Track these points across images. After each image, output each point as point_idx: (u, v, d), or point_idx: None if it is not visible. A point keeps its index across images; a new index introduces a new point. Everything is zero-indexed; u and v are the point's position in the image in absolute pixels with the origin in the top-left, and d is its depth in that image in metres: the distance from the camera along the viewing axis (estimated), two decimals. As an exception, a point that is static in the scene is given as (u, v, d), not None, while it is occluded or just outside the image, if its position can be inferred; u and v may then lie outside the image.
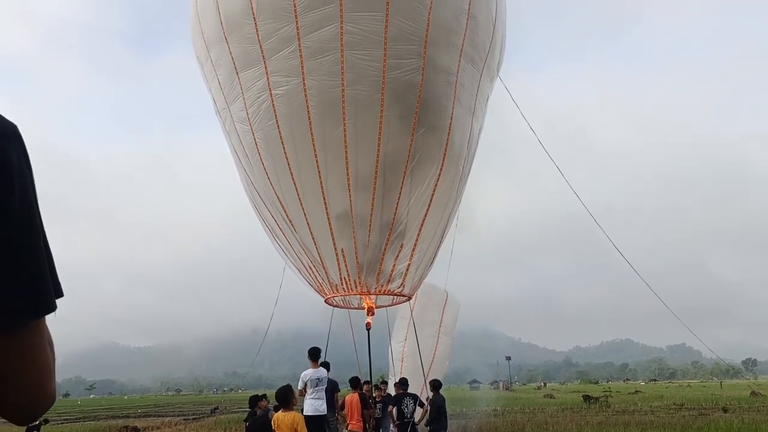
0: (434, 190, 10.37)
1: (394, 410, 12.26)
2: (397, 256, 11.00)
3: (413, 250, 11.06)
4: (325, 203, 9.87)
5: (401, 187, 9.91)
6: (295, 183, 9.69)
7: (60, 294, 1.12)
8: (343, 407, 12.65)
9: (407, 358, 17.90)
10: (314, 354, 11.02)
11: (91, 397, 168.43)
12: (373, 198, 9.91)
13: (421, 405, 12.47)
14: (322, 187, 9.65)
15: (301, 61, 8.77)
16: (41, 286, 1.04)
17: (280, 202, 10.14)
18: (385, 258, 10.90)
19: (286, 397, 8.10)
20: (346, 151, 9.26)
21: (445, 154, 10.18)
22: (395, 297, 12.78)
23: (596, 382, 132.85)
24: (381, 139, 9.37)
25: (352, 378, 13.06)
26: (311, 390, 10.65)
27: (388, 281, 11.36)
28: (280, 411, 8.26)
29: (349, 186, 9.68)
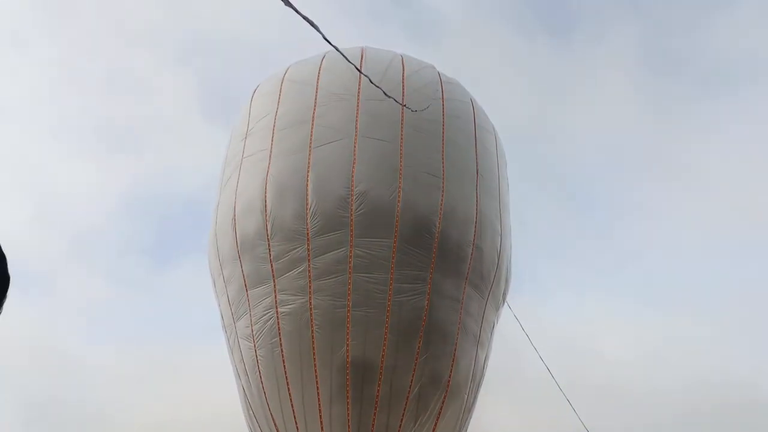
0: (437, 420, 10.02)
1: None
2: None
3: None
4: (321, 427, 9.51)
5: (403, 414, 9.59)
6: (292, 404, 9.43)
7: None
8: None
9: None
10: None
11: None
12: (374, 422, 9.58)
13: None
14: (320, 409, 9.36)
15: (310, 281, 9.06)
16: None
17: (275, 424, 9.79)
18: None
19: None
20: (348, 374, 9.15)
21: (449, 383, 10.00)
22: None
23: None
24: (384, 362, 9.30)
25: None
26: None
27: None
28: None
29: (348, 411, 9.39)
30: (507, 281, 11.59)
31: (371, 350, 9.25)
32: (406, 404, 9.52)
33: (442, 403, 9.91)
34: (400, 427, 9.60)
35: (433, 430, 10.01)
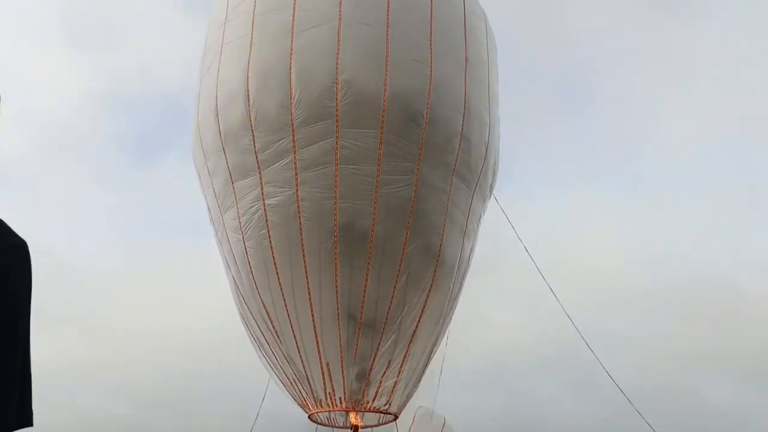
0: (424, 307, 10.26)
1: None
2: (384, 372, 10.72)
3: (401, 367, 10.80)
4: (312, 316, 9.72)
5: (390, 303, 9.81)
6: (283, 294, 9.60)
7: (26, 422, 1.06)
8: None
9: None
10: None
11: None
12: (362, 312, 9.79)
13: None
14: (310, 299, 9.55)
15: (296, 173, 8.96)
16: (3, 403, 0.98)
17: (267, 313, 9.99)
18: (371, 374, 10.62)
19: None
20: (336, 264, 9.26)
21: (435, 272, 10.16)
22: (381, 416, 12.33)
23: None
24: (372, 251, 9.40)
25: None
26: None
27: (374, 398, 11.01)
28: None
29: (337, 300, 9.59)
30: (494, 173, 11.55)
31: (358, 237, 9.32)
32: (394, 292, 9.72)
33: (429, 290, 10.13)
34: (389, 310, 9.84)
35: (420, 316, 10.29)
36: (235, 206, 9.46)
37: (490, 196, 11.80)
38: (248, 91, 9.22)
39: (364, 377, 10.69)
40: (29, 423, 1.08)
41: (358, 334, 10.02)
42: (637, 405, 14.41)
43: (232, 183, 9.45)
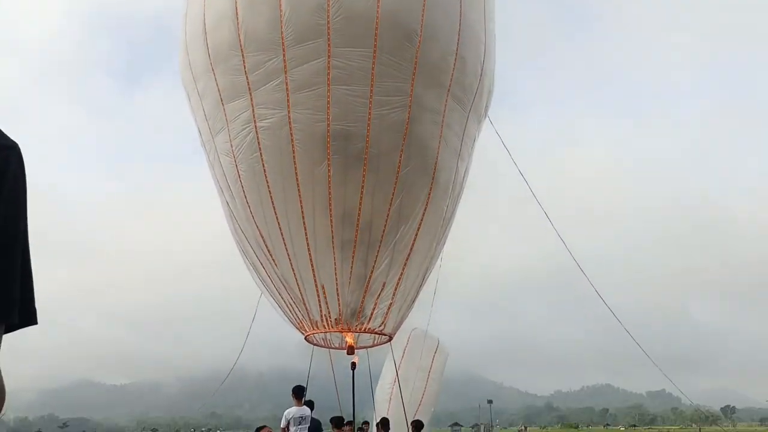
0: (418, 230, 10.31)
1: None
2: (379, 294, 10.88)
3: (395, 289, 10.95)
4: (306, 239, 9.76)
5: (385, 226, 9.84)
6: (277, 217, 9.59)
7: (30, 318, 1.05)
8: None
9: (395, 398, 17.91)
10: (298, 392, 10.80)
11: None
12: (356, 235, 9.83)
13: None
14: (304, 222, 9.56)
15: (287, 94, 8.77)
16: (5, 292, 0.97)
17: (262, 237, 10.02)
18: (366, 296, 10.78)
19: None
20: (329, 187, 9.21)
21: (429, 195, 10.15)
22: (376, 337, 12.61)
23: (576, 427, 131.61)
24: (366, 176, 9.34)
25: (334, 417, 12.78)
26: (294, 428, 10.41)
27: (369, 320, 11.22)
28: None
29: (332, 222, 9.60)
30: (489, 93, 11.38)
31: (352, 163, 9.24)
32: (388, 214, 9.73)
33: (423, 213, 10.15)
34: (383, 233, 9.89)
35: (414, 238, 10.35)
36: (227, 129, 9.31)
37: (484, 118, 11.67)
38: (237, 9, 8.90)
39: (359, 299, 10.85)
40: (33, 321, 1.07)
41: (353, 256, 10.09)
42: (626, 325, 14.74)
43: (223, 105, 9.25)
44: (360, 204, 9.45)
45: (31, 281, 1.06)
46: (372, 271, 10.39)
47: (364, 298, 10.78)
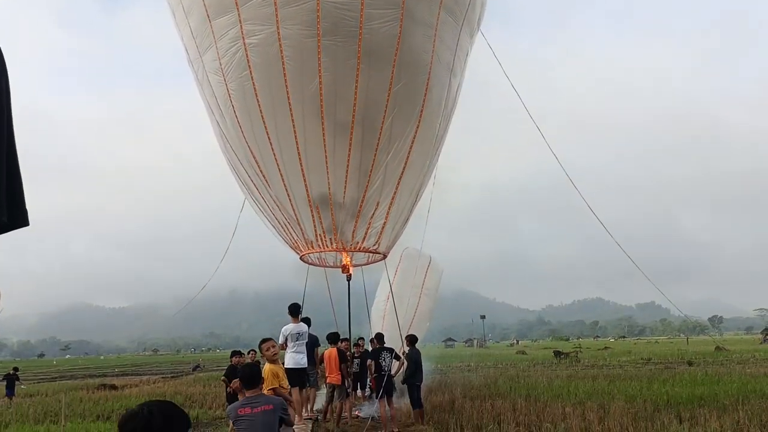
0: (411, 146, 10.25)
1: (373, 364, 12.40)
2: (373, 213, 10.94)
3: (389, 207, 11.00)
4: (299, 158, 9.70)
5: (378, 142, 9.78)
6: (268, 136, 9.48)
7: (22, 219, 1.01)
8: (322, 361, 12.77)
9: (389, 315, 18.34)
10: (294, 310, 11.01)
11: (66, 357, 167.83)
12: (349, 153, 9.77)
13: (398, 358, 12.60)
14: (296, 141, 9.47)
15: (276, 9, 8.47)
16: None
17: (254, 157, 9.94)
18: (360, 215, 10.84)
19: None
20: (321, 104, 9.07)
21: (422, 111, 10.04)
22: (370, 255, 12.78)
23: (567, 339, 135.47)
24: (357, 93, 9.18)
25: (331, 333, 13.13)
26: (292, 344, 10.67)
27: (364, 238, 11.33)
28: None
29: (324, 140, 9.52)
30: (483, 5, 11.09)
31: (343, 81, 9.07)
32: (381, 131, 9.66)
33: (416, 130, 10.08)
34: (376, 151, 9.85)
35: (407, 156, 10.32)
36: (215, 46, 9.03)
37: (477, 31, 11.41)
38: None
39: (353, 218, 10.92)
40: (25, 221, 1.02)
41: (347, 175, 10.08)
42: (617, 238, 14.95)
43: (210, 21, 8.94)
44: (352, 122, 9.35)
45: (20, 182, 1.01)
46: (366, 190, 10.41)
47: (358, 217, 10.85)
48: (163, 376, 37.61)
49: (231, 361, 12.89)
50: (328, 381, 12.65)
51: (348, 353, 13.40)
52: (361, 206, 10.67)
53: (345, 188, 10.26)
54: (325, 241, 11.23)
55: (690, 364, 31.42)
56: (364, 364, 13.98)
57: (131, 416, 2.65)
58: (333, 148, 9.60)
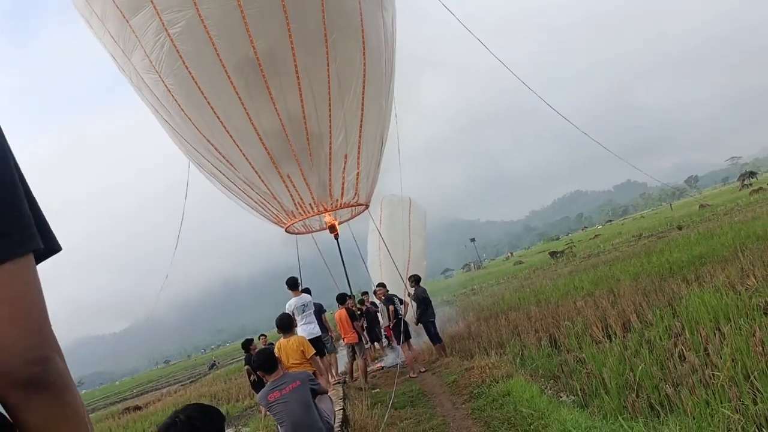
0: (363, 91, 10.09)
1: (392, 310, 12.51)
2: (344, 168, 10.83)
3: (358, 158, 10.90)
4: (258, 134, 9.50)
5: (329, 96, 9.59)
6: (221, 121, 9.25)
7: (53, 243, 0.98)
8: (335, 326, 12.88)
9: (385, 263, 18.54)
10: (292, 284, 10.99)
11: (83, 392, 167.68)
12: (303, 112, 9.58)
13: (402, 302, 12.74)
14: (250, 118, 9.25)
15: (190, -10, 8.11)
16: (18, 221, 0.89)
17: (212, 145, 9.72)
18: (332, 172, 10.73)
19: (288, 324, 7.99)
20: (262, 71, 8.81)
21: (364, 53, 9.82)
22: (353, 208, 12.73)
23: (557, 239, 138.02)
24: (295, 53, 8.93)
25: (339, 294, 13.19)
26: (300, 316, 10.69)
27: (342, 194, 11.25)
28: (281, 338, 8.14)
29: (276, 109, 9.31)
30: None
31: (277, 44, 8.80)
32: (328, 85, 9.47)
33: (363, 74, 9.90)
34: (329, 106, 9.68)
35: (362, 104, 10.17)
36: (139, 45, 8.67)
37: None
38: None
39: (326, 177, 10.81)
40: (57, 246, 0.99)
41: (307, 137, 9.92)
42: (581, 126, 15.05)
43: (128, 22, 8.56)
44: (298, 82, 9.13)
45: (39, 208, 0.97)
46: (330, 146, 10.27)
47: (330, 175, 10.74)
48: (182, 384, 37.80)
49: (250, 350, 12.92)
50: (345, 342, 12.77)
51: (356, 309, 13.50)
52: (330, 163, 10.55)
53: (310, 150, 10.13)
54: (305, 207, 11.14)
55: (680, 228, 32.18)
56: (372, 318, 14.12)
57: (167, 427, 2.64)
58: (284, 111, 9.38)
